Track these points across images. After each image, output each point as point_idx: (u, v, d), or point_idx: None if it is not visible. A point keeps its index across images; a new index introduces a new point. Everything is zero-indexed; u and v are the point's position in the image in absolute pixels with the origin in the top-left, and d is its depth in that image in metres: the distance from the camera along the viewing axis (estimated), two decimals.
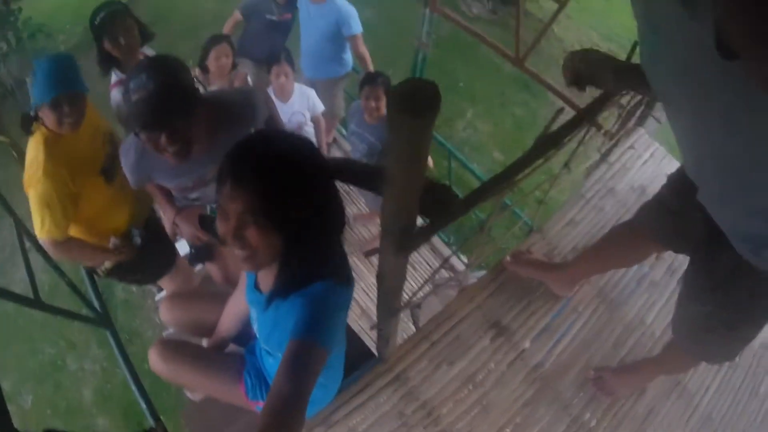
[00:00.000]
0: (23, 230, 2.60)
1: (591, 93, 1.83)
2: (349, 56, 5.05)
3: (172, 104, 1.84)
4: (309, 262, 1.41)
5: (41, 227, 2.39)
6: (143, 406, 2.57)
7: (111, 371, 5.41)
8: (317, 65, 5.07)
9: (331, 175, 1.42)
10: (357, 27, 4.66)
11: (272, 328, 1.62)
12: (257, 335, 1.81)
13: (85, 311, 2.92)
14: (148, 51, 3.27)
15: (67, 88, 2.34)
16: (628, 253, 2.35)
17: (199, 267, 3.39)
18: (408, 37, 4.78)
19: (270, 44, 4.90)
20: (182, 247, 3.21)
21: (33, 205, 2.38)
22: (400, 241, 1.31)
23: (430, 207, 1.29)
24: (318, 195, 1.35)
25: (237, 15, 4.93)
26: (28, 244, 2.59)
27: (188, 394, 2.62)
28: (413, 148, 0.99)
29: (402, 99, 0.88)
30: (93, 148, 2.56)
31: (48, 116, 2.35)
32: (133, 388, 2.64)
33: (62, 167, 2.39)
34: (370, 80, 3.96)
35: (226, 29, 4.88)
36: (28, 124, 2.41)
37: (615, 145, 3.00)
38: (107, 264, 2.88)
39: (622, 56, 1.85)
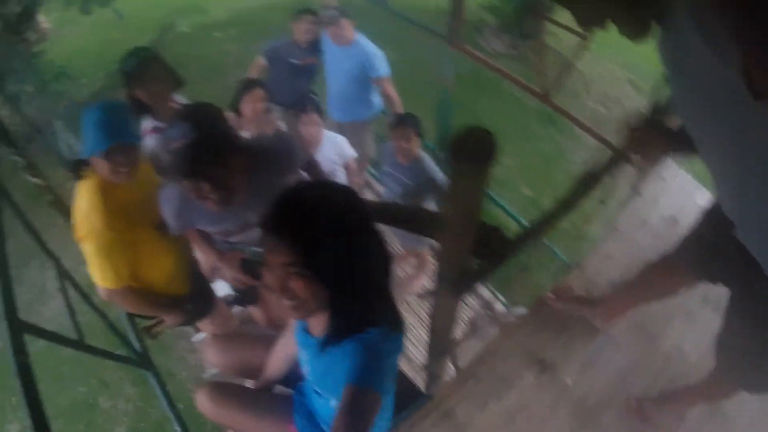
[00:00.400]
0: (63, 271, 2.61)
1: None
2: (377, 98, 5.01)
3: (213, 153, 1.85)
4: (359, 309, 1.43)
5: (103, 277, 2.36)
6: None
7: (145, 411, 5.37)
8: (344, 108, 5.06)
9: (373, 220, 1.42)
10: (383, 68, 4.65)
11: (325, 372, 1.62)
12: (308, 377, 1.81)
13: (123, 351, 2.92)
14: (179, 97, 3.23)
15: (121, 139, 2.28)
16: (665, 286, 2.36)
17: (237, 308, 3.41)
18: (430, 76, 4.80)
19: (295, 89, 4.93)
20: (220, 289, 3.22)
21: (91, 254, 2.33)
22: (456, 283, 1.33)
23: (483, 249, 1.30)
24: (361, 243, 1.35)
25: (261, 60, 4.97)
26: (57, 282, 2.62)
27: None
28: (471, 193, 1.02)
29: (463, 146, 0.91)
30: (148, 199, 2.45)
31: (102, 166, 2.29)
32: (177, 429, 2.66)
33: (121, 218, 2.34)
34: (401, 121, 3.93)
35: (251, 75, 4.89)
36: (78, 169, 2.36)
37: (645, 176, 3.02)
38: (158, 328, 2.91)
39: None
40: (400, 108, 4.81)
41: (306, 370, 1.80)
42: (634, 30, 1.23)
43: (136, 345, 2.95)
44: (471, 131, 0.93)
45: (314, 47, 4.87)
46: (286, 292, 1.34)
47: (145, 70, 2.87)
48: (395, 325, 1.51)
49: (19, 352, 1.45)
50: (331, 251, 1.28)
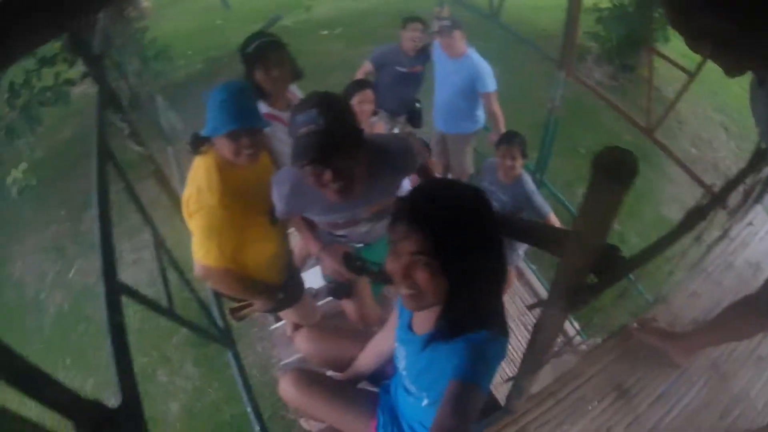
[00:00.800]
0: (160, 243, 2.63)
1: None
2: (481, 113, 5.00)
3: (341, 141, 1.85)
4: (473, 308, 1.47)
5: (206, 253, 2.35)
6: (257, 429, 2.65)
7: (203, 391, 5.42)
8: (449, 120, 5.08)
9: (499, 228, 1.48)
10: (492, 84, 4.62)
11: (425, 369, 1.65)
12: (404, 373, 1.83)
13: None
14: (295, 88, 3.24)
15: (247, 123, 2.31)
16: (744, 328, 2.38)
17: (322, 302, 3.48)
18: (535, 97, 4.76)
19: (400, 96, 4.98)
20: (309, 280, 3.27)
21: (199, 229, 2.34)
22: (572, 297, 1.36)
23: (601, 266, 1.34)
24: (487, 245, 1.41)
25: (368, 65, 4.98)
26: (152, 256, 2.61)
27: (304, 424, 2.67)
28: (608, 210, 1.05)
29: (607, 164, 0.95)
30: (262, 186, 2.43)
31: (225, 146, 2.32)
32: (249, 410, 2.71)
33: (236, 200, 2.36)
34: (508, 140, 3.91)
35: (358, 77, 4.88)
36: (197, 144, 2.40)
37: (736, 220, 3.00)
38: (245, 312, 2.94)
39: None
40: (502, 125, 4.81)
41: (402, 366, 1.83)
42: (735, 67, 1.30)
43: (220, 323, 3.02)
44: (613, 150, 0.97)
45: (421, 56, 4.88)
46: (408, 280, 1.40)
47: (270, 55, 2.87)
48: (502, 330, 1.54)
49: (115, 312, 1.46)
50: (461, 247, 1.33)
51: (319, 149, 1.82)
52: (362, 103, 3.79)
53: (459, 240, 1.33)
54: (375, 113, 4.07)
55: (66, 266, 6.81)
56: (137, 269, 6.33)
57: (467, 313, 1.47)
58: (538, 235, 1.66)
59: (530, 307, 1.79)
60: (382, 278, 2.34)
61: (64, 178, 8.06)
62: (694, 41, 1.27)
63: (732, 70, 1.29)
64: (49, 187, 8.02)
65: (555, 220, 3.94)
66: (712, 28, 1.20)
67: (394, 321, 2.01)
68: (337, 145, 1.84)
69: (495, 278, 1.51)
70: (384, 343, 2.12)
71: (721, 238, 3.11)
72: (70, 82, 6.60)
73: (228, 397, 5.21)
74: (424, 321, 1.64)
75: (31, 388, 0.90)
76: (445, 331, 1.51)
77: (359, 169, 1.99)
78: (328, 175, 1.90)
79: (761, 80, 1.40)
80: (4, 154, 7.29)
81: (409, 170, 2.35)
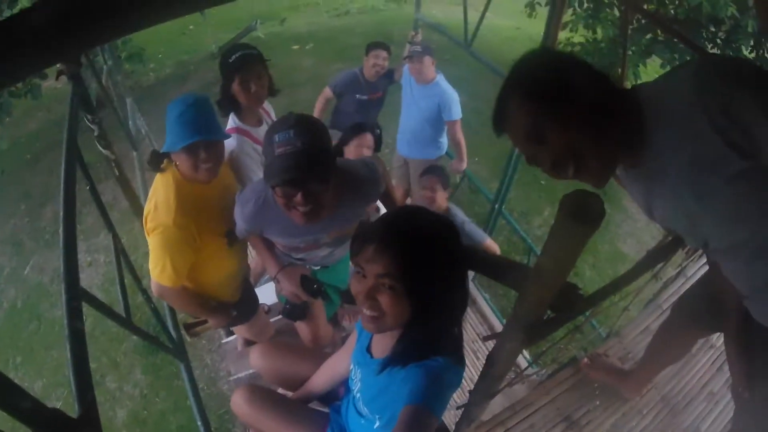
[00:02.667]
0: (120, 248, 2.54)
1: None
2: (445, 140, 5.06)
3: (316, 165, 1.85)
4: (432, 335, 1.49)
5: (161, 271, 2.33)
6: None
7: (151, 399, 5.39)
8: (413, 145, 5.12)
9: (464, 258, 1.51)
10: (457, 112, 4.68)
11: (379, 392, 1.66)
12: (357, 395, 1.83)
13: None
14: (267, 105, 3.18)
15: (206, 135, 2.26)
16: (677, 343, 2.48)
17: (275, 319, 3.46)
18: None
19: (362, 121, 4.97)
20: (263, 296, 3.26)
21: (155, 248, 2.32)
22: (529, 332, 1.38)
23: (559, 303, 1.36)
24: (453, 273, 1.44)
25: (328, 92, 5.03)
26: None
27: None
28: (571, 250, 1.07)
29: (573, 206, 0.97)
30: (222, 206, 2.46)
31: (183, 161, 2.30)
32: (199, 423, 2.68)
33: (192, 220, 2.33)
34: (429, 171, 4.04)
35: (318, 106, 5.01)
36: (157, 161, 2.36)
37: (692, 259, 3.07)
38: (200, 329, 2.93)
39: None
40: (464, 153, 4.90)
41: (356, 389, 1.83)
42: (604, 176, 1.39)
43: (174, 334, 2.98)
44: (580, 194, 0.99)
45: (380, 82, 4.98)
46: (371, 301, 1.42)
47: (250, 69, 2.78)
48: (459, 359, 1.56)
49: (75, 318, 1.45)
50: (426, 273, 1.36)
51: (294, 170, 1.82)
52: (360, 147, 3.75)
53: (425, 266, 1.36)
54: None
55: (22, 262, 6.74)
56: (91, 271, 6.26)
57: (426, 339, 1.49)
58: (500, 269, 1.68)
59: (486, 339, 1.81)
60: (345, 299, 2.34)
61: (26, 171, 8.02)
62: (554, 171, 1.37)
63: (601, 180, 1.38)
64: (11, 179, 7.97)
65: (492, 246, 4.00)
66: (571, 151, 1.31)
67: (351, 343, 2.01)
68: (311, 169, 1.84)
69: (456, 307, 1.53)
70: (340, 365, 2.11)
71: (676, 276, 3.17)
72: (41, 76, 6.55)
73: (175, 408, 5.20)
74: (383, 345, 1.65)
75: None
76: (403, 355, 1.52)
77: (328, 194, 1.99)
78: (299, 197, 1.90)
79: (628, 168, 1.51)
80: None
81: (374, 197, 2.37)
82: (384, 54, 4.81)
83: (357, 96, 4.94)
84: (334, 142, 4.14)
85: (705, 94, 1.22)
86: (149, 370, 5.54)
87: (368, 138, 3.79)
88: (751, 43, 6.58)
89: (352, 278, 1.48)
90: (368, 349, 1.76)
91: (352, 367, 1.88)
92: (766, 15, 1.51)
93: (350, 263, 1.53)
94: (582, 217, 0.97)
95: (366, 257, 1.40)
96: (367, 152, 3.82)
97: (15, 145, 8.30)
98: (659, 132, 1.33)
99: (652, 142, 1.35)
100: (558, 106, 1.29)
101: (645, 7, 6.44)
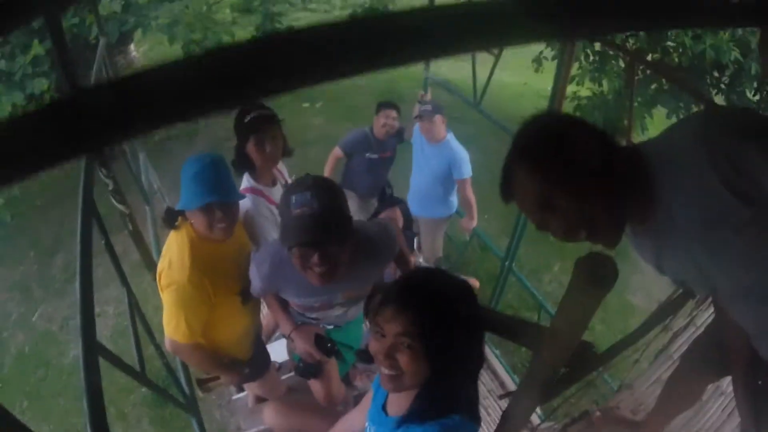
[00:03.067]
0: (134, 302, 2.50)
1: None
2: (455, 199, 5.04)
3: (333, 227, 1.88)
4: (449, 393, 1.50)
5: (175, 328, 2.35)
6: None
7: None
8: (424, 204, 5.08)
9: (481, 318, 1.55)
10: (468, 171, 4.66)
11: None
12: None
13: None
14: (280, 165, 3.16)
15: (221, 197, 2.29)
16: (687, 390, 2.48)
17: (286, 376, 3.46)
18: None
19: (372, 181, 5.05)
20: (275, 353, 3.28)
21: (169, 305, 2.34)
22: (544, 390, 1.40)
23: (574, 360, 1.39)
24: (471, 333, 1.48)
25: (338, 151, 5.02)
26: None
27: None
28: (586, 311, 1.10)
29: (588, 269, 1.00)
30: (236, 265, 2.49)
31: (199, 220, 2.31)
32: None
33: (206, 277, 2.34)
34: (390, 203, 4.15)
35: (329, 165, 4.99)
36: (172, 219, 2.39)
37: (702, 308, 3.08)
38: (212, 384, 2.94)
39: None
40: (474, 212, 4.91)
41: None
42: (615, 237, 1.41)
43: (186, 389, 2.98)
44: (594, 256, 1.02)
45: (390, 141, 4.97)
46: (390, 361, 1.43)
47: (266, 129, 2.77)
48: (474, 417, 1.56)
49: (92, 371, 1.47)
50: (446, 332, 1.38)
51: (311, 232, 1.84)
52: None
53: (444, 326, 1.38)
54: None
55: (30, 308, 6.74)
56: (100, 323, 6.17)
57: (443, 397, 1.50)
58: (513, 330, 1.71)
59: (502, 397, 1.82)
60: (361, 358, 2.35)
61: (37, 219, 8.07)
62: (566, 236, 1.38)
63: (613, 241, 1.40)
64: (22, 225, 8.03)
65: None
66: (582, 217, 1.33)
67: (366, 402, 2.02)
68: (328, 230, 1.87)
69: (473, 365, 1.56)
70: (355, 423, 2.11)
71: (686, 325, 3.18)
72: None
73: None
74: (399, 403, 1.65)
75: None
76: (420, 413, 1.52)
77: (344, 256, 2.01)
78: (315, 258, 1.91)
79: (636, 225, 1.51)
80: None
81: (389, 259, 2.39)
82: (394, 113, 4.82)
83: (367, 155, 4.92)
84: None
85: (712, 147, 1.23)
86: (157, 423, 5.49)
87: (397, 212, 3.94)
88: (755, 85, 6.60)
89: (371, 338, 1.50)
90: (384, 408, 1.76)
91: (367, 425, 1.87)
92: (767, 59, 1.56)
93: (365, 322, 1.55)
94: (597, 280, 1.00)
95: (385, 317, 1.43)
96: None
97: (26, 192, 8.34)
98: (667, 188, 1.33)
99: (660, 199, 1.36)
100: (565, 175, 1.30)
101: (650, 57, 6.53)
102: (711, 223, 1.28)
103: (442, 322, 1.39)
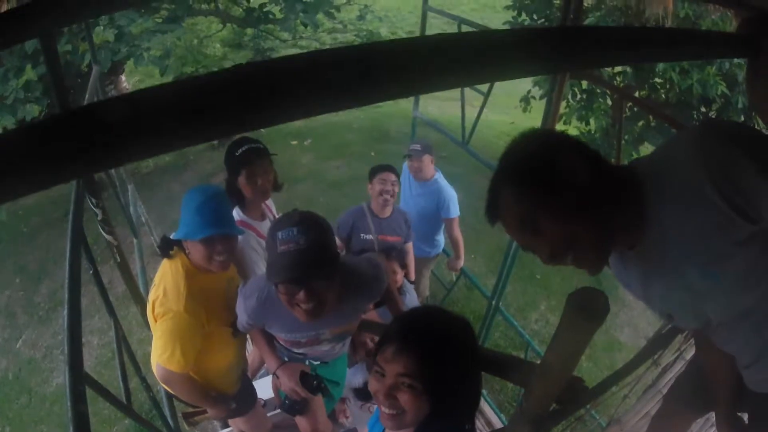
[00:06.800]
0: (121, 333, 2.58)
1: None
2: (441, 238, 5.00)
3: (319, 263, 1.86)
4: (448, 429, 1.51)
5: (169, 357, 2.31)
6: None
7: None
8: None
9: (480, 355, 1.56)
10: (455, 210, 4.63)
11: None
12: None
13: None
14: (268, 201, 3.19)
15: (225, 229, 2.32)
16: (674, 427, 2.48)
17: (272, 414, 3.44)
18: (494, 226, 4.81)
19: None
20: (260, 390, 3.25)
21: (163, 333, 2.31)
22: (535, 425, 1.40)
23: (565, 396, 1.39)
24: (470, 371, 1.49)
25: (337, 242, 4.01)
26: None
27: None
28: (577, 346, 1.12)
29: (579, 304, 1.02)
30: (227, 297, 2.49)
31: (198, 251, 2.31)
32: None
33: (201, 307, 2.35)
34: (388, 255, 3.96)
35: None
36: (167, 247, 2.38)
37: (690, 343, 3.09)
38: (198, 418, 2.92)
39: None
40: (461, 251, 4.90)
41: None
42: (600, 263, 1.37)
43: (171, 423, 2.95)
44: (585, 291, 1.04)
45: (397, 219, 4.31)
46: (390, 400, 1.43)
47: (257, 162, 2.81)
48: None
49: (79, 402, 1.45)
50: (446, 372, 1.39)
51: (297, 269, 1.84)
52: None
53: (444, 365, 1.39)
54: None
55: (15, 334, 6.69)
56: (84, 354, 5.96)
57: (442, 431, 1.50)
58: (505, 367, 1.72)
59: None
60: (359, 396, 2.34)
61: (23, 245, 8.05)
62: (551, 259, 1.33)
63: (596, 267, 1.35)
64: (8, 251, 8.00)
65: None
66: (567, 239, 1.28)
67: None
68: (315, 267, 1.86)
69: (472, 402, 1.55)
70: None
71: (675, 360, 3.18)
72: None
73: None
74: None
75: None
76: None
77: (331, 292, 1.99)
78: (301, 295, 1.90)
79: (623, 250, 1.47)
80: None
81: (376, 295, 2.38)
82: (392, 177, 4.12)
83: (362, 236, 4.18)
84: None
85: (708, 160, 1.19)
86: None
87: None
88: (742, 118, 6.64)
89: (371, 378, 1.50)
90: None
91: None
92: (754, 91, 1.54)
93: (361, 363, 1.55)
94: (588, 314, 1.02)
95: (386, 357, 1.43)
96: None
97: (13, 217, 8.28)
98: (661, 206, 1.29)
99: (653, 219, 1.31)
100: (551, 196, 1.25)
101: (637, 94, 6.62)
102: (710, 236, 1.23)
103: (443, 362, 1.39)
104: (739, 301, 1.33)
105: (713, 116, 6.91)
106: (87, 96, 3.35)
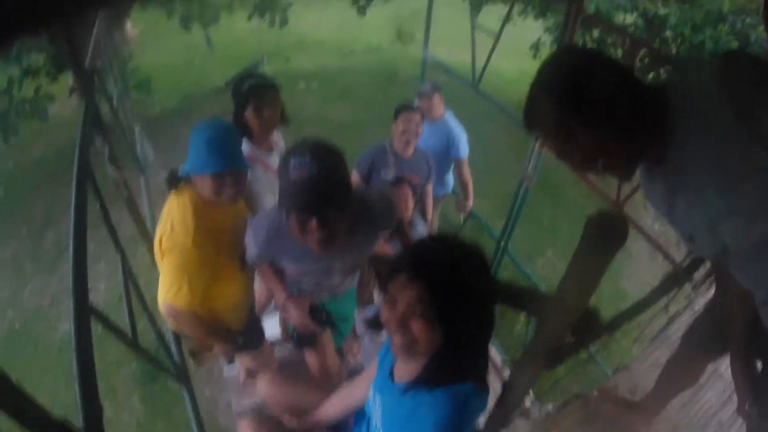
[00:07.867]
0: (128, 269, 2.53)
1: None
2: (450, 178, 4.96)
3: (332, 192, 1.82)
4: (462, 361, 1.49)
5: (177, 292, 2.29)
6: None
7: (146, 428, 5.30)
8: None
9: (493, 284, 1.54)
10: (465, 150, 4.62)
11: (403, 418, 1.62)
12: (377, 423, 1.79)
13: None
14: (277, 136, 3.18)
15: (233, 165, 2.27)
16: (687, 371, 2.52)
17: (279, 349, 3.46)
18: (505, 167, 4.72)
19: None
20: (266, 329, 3.26)
21: (172, 268, 2.29)
22: (551, 356, 1.37)
23: (581, 326, 1.36)
24: (483, 300, 1.46)
25: (354, 177, 4.05)
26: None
27: None
28: (595, 272, 1.08)
29: (600, 226, 0.98)
30: (235, 230, 2.45)
31: (207, 185, 2.26)
32: None
33: (209, 240, 2.32)
34: (398, 181, 3.87)
35: None
36: (175, 181, 2.34)
37: (700, 293, 3.08)
38: (205, 354, 2.94)
39: None
40: (470, 192, 4.87)
41: (376, 416, 1.80)
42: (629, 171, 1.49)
43: (177, 359, 2.95)
44: (605, 214, 0.99)
45: (421, 160, 4.20)
46: (402, 328, 1.42)
47: (264, 95, 2.80)
48: (484, 385, 1.55)
49: (83, 334, 1.44)
50: (459, 299, 1.37)
51: (309, 196, 1.80)
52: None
53: (456, 292, 1.37)
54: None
55: (21, 285, 6.70)
56: (90, 298, 6.12)
57: (456, 362, 1.49)
58: (519, 298, 1.70)
59: (515, 364, 1.79)
60: (370, 325, 2.34)
61: (29, 195, 8.02)
62: (583, 165, 1.46)
63: (625, 175, 1.49)
64: (14, 201, 7.97)
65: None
66: (598, 147, 1.39)
67: (369, 372, 2.00)
68: (327, 195, 1.82)
69: (485, 331, 1.53)
70: (357, 393, 2.07)
71: (684, 309, 3.18)
72: (49, 98, 6.59)
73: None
74: (407, 371, 1.62)
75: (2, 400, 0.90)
76: (431, 377, 1.51)
77: (343, 222, 1.96)
78: (313, 223, 1.86)
79: (652, 166, 1.54)
80: None
81: (387, 227, 2.35)
82: (417, 118, 3.98)
83: (383, 174, 4.06)
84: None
85: (730, 88, 1.27)
86: (147, 399, 5.46)
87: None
88: None
89: (383, 307, 1.49)
90: (391, 375, 1.74)
91: (372, 395, 1.85)
92: None
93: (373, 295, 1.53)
94: (609, 235, 0.98)
95: (397, 285, 1.42)
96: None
97: (19, 168, 8.33)
98: (684, 126, 1.37)
99: (676, 137, 1.39)
100: (586, 106, 1.35)
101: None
102: (727, 160, 1.31)
103: (455, 289, 1.37)
104: (756, 227, 1.35)
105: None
106: (92, 42, 3.27)
